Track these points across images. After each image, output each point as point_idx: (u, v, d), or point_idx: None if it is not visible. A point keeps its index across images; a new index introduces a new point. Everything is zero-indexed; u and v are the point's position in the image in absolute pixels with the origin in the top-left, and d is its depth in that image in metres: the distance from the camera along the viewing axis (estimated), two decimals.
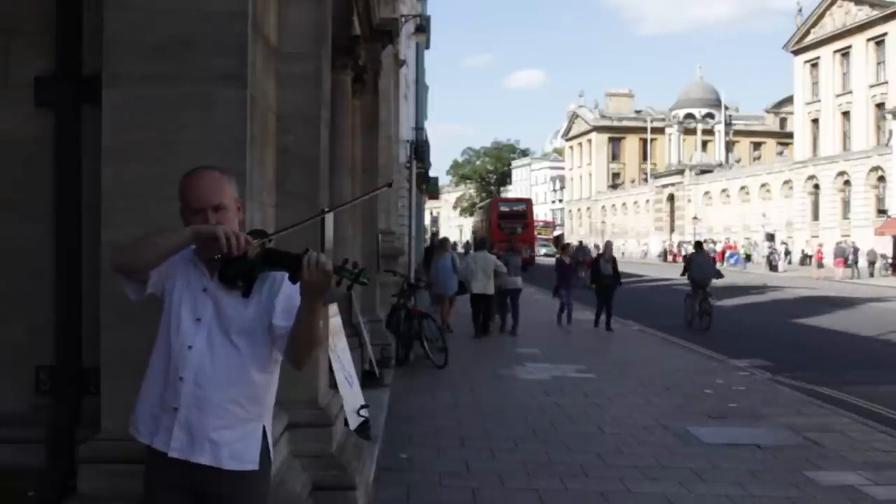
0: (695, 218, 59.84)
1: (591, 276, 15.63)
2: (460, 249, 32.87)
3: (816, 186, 50.13)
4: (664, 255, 59.39)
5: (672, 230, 67.41)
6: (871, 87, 45.95)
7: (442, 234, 46.65)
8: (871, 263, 37.88)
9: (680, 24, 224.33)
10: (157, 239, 2.39)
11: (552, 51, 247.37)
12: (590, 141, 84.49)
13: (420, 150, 26.97)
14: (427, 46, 31.10)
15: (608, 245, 15.95)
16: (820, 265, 39.55)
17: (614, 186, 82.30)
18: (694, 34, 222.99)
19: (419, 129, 29.20)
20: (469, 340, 13.45)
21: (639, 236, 66.72)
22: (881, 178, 44.35)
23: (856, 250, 38.25)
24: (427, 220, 55.98)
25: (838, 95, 48.80)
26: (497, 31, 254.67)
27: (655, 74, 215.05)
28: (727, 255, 50.38)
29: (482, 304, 13.88)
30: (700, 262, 16.15)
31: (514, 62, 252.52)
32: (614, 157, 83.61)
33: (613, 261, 15.41)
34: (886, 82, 44.61)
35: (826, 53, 49.68)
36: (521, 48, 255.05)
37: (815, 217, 49.92)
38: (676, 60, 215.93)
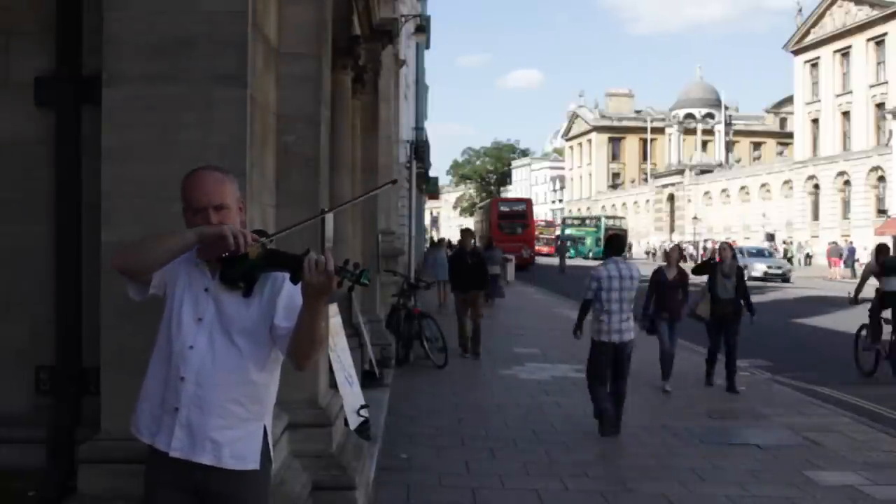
0: (695, 218, 59.85)
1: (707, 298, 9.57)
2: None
3: (816, 186, 50.14)
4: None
5: (672, 230, 67.42)
6: (871, 87, 45.96)
7: (441, 235, 46.87)
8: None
9: (675, 24, 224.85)
10: (160, 240, 2.39)
11: (548, 51, 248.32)
12: (590, 141, 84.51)
13: (420, 150, 27.01)
14: (427, 46, 31.16)
15: (726, 249, 9.90)
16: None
17: (614, 186, 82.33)
18: (689, 34, 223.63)
19: (419, 129, 29.24)
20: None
21: (639, 236, 66.73)
22: (881, 178, 44.36)
23: (852, 250, 38.19)
24: (427, 220, 56.03)
25: (838, 95, 48.81)
26: (491, 31, 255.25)
27: (653, 74, 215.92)
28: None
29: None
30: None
31: (510, 62, 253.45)
32: (614, 157, 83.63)
33: (738, 273, 9.52)
34: (886, 82, 44.61)
35: (826, 53, 49.69)
36: (516, 48, 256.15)
37: (815, 217, 49.93)
38: (673, 60, 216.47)
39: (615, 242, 7.87)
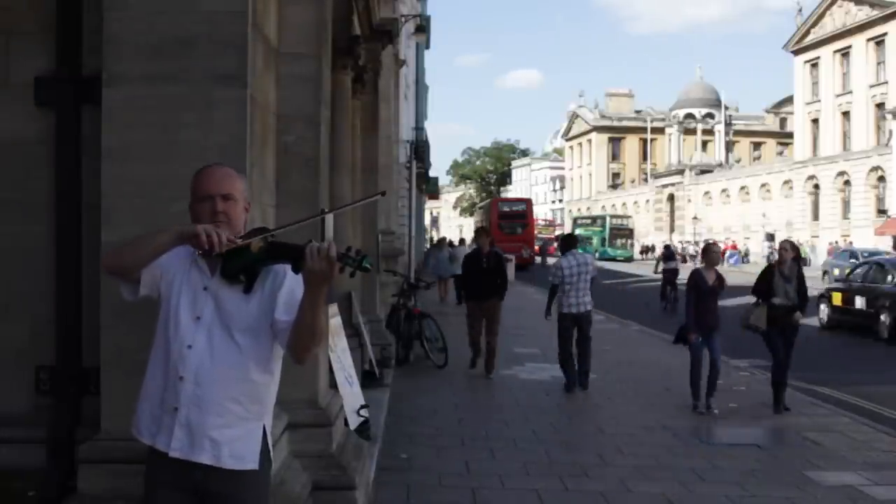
0: (695, 218, 59.86)
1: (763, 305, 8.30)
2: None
3: (816, 186, 50.14)
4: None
5: (672, 230, 67.41)
6: (871, 87, 45.95)
7: (442, 235, 47.30)
8: None
9: (674, 24, 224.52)
10: (142, 239, 2.42)
11: (546, 50, 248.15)
12: (590, 141, 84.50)
13: (420, 150, 27.02)
14: (427, 46, 31.17)
15: (787, 250, 8.55)
16: None
17: (614, 186, 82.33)
18: (689, 33, 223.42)
19: (419, 129, 29.25)
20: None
21: (639, 236, 66.72)
22: (881, 178, 44.36)
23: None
24: (427, 220, 56.03)
25: (838, 95, 48.81)
26: (488, 31, 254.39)
27: (653, 74, 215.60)
28: (727, 254, 50.45)
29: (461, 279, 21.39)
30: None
31: (507, 62, 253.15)
32: (614, 157, 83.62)
33: (799, 276, 8.37)
34: (886, 82, 44.60)
35: (826, 53, 49.68)
36: (513, 48, 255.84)
37: (815, 217, 49.93)
38: (673, 60, 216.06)
39: (569, 241, 9.94)
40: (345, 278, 2.23)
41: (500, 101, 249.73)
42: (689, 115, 71.45)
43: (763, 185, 57.13)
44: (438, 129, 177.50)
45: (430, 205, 58.28)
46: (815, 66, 51.13)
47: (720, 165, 67.68)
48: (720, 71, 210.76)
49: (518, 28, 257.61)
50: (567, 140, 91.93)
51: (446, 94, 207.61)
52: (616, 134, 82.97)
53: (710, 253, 8.66)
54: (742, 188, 59.89)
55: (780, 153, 70.32)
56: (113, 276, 2.48)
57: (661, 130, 76.11)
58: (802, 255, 39.78)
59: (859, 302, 15.71)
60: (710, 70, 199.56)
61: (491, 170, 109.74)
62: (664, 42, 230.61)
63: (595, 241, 60.11)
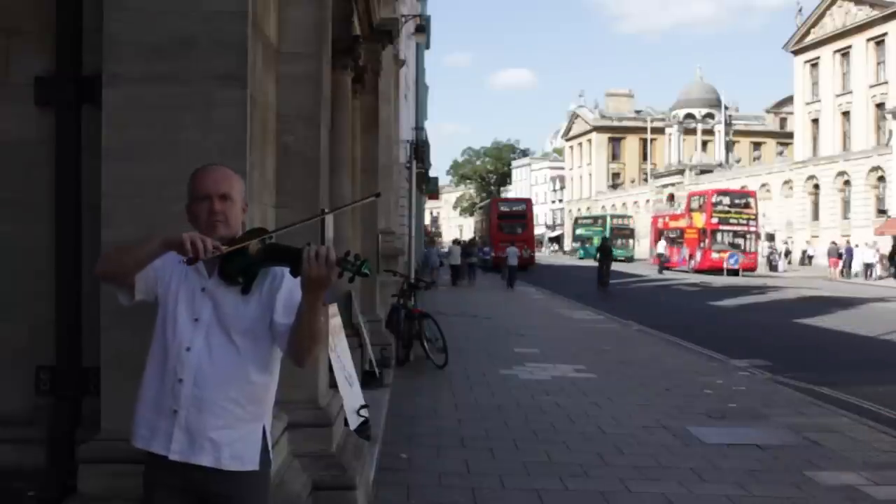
0: None
1: None
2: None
3: (816, 186, 50.12)
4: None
5: None
6: (871, 87, 45.96)
7: (439, 234, 47.47)
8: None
9: (665, 23, 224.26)
10: (131, 248, 2.42)
11: (536, 49, 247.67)
12: (590, 141, 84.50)
13: (420, 150, 27.05)
14: (427, 46, 31.16)
15: None
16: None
17: (614, 186, 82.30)
18: (680, 31, 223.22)
19: (419, 129, 29.26)
20: (469, 338, 13.46)
21: (639, 236, 66.65)
22: (881, 178, 44.36)
23: (848, 250, 38.19)
24: (427, 220, 56.03)
25: (838, 95, 48.80)
26: (474, 30, 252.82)
27: (646, 73, 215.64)
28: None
29: (455, 269, 29.12)
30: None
31: (497, 61, 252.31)
32: (614, 157, 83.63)
33: None
34: (886, 82, 44.61)
35: (826, 53, 49.69)
36: (501, 47, 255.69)
37: (815, 217, 49.91)
38: (667, 59, 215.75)
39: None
40: (344, 279, 2.23)
41: (494, 100, 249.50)
42: (689, 115, 71.43)
43: (763, 185, 57.08)
44: (436, 128, 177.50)
45: (430, 205, 58.32)
46: (815, 66, 51.13)
47: (720, 165, 67.63)
48: (718, 71, 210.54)
49: (505, 27, 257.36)
50: (567, 140, 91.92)
51: (441, 93, 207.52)
52: (616, 134, 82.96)
53: None
54: (742, 188, 59.80)
55: (780, 153, 70.26)
56: (106, 283, 2.51)
57: (661, 130, 76.08)
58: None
59: None
60: (709, 70, 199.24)
61: (491, 170, 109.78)
62: (656, 41, 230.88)
63: (596, 240, 60.04)
